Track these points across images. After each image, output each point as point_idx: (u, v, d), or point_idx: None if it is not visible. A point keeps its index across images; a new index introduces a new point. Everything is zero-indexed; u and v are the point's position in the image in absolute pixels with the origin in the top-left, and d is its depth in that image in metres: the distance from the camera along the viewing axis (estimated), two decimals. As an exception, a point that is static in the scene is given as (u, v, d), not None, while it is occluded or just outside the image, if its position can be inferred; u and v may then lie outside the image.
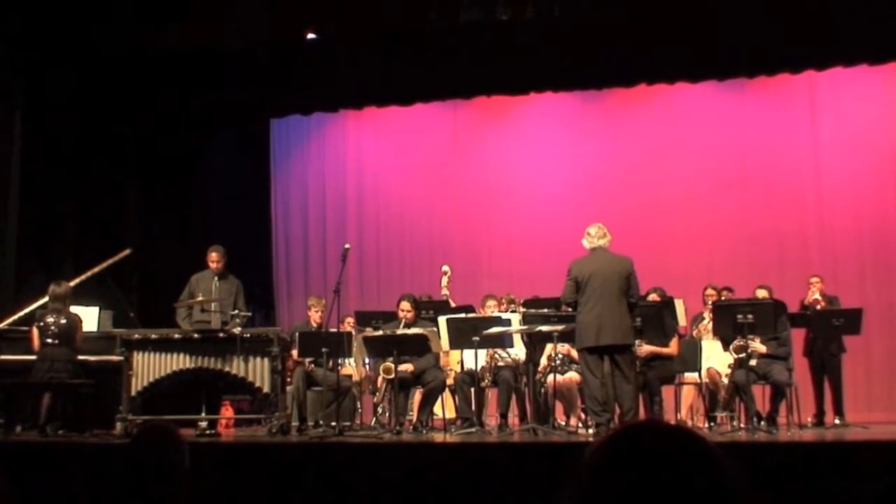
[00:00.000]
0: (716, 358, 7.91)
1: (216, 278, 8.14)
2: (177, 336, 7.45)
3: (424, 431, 7.54)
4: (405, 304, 7.82)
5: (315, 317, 8.24)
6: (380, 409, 8.55)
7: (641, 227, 10.34)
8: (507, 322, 7.46)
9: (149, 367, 7.32)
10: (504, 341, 7.48)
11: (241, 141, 12.16)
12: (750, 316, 7.04)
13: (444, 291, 8.96)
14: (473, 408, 7.54)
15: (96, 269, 8.90)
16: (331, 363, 7.38)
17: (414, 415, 7.88)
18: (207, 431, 7.63)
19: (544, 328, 7.11)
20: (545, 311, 7.69)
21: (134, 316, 8.93)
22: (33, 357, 7.55)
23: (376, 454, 5.89)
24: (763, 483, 4.64)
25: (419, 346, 7.42)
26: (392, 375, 7.49)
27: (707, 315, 8.09)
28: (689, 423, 7.92)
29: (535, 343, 7.49)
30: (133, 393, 7.30)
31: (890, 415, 9.09)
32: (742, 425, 7.41)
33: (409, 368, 7.66)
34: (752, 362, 7.45)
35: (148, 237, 10.67)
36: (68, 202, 10.41)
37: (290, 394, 7.74)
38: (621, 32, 9.58)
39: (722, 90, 10.74)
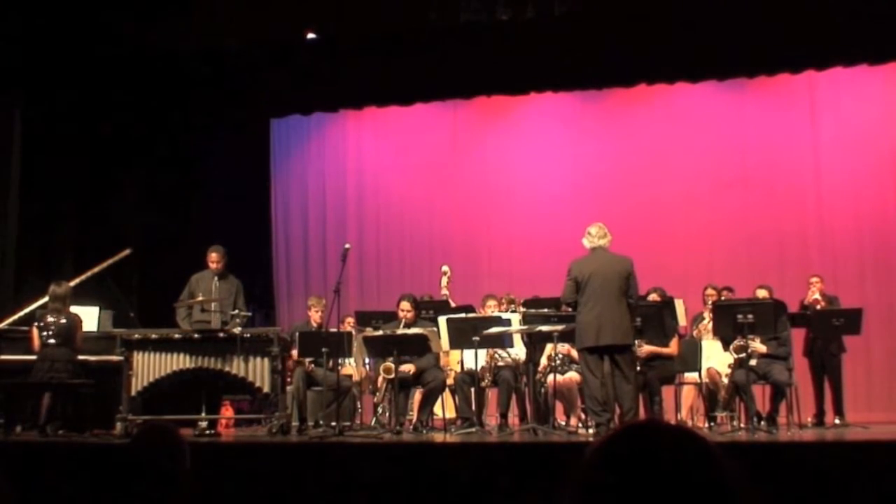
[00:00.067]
0: (716, 358, 7.91)
1: (216, 278, 8.14)
2: (177, 336, 7.46)
3: (424, 431, 7.54)
4: (405, 304, 7.83)
5: (315, 317, 8.25)
6: (380, 409, 8.55)
7: (641, 227, 10.34)
8: (507, 322, 7.46)
9: (149, 367, 7.32)
10: (504, 341, 7.47)
11: (241, 141, 12.15)
12: (750, 316, 7.04)
13: (444, 291, 8.96)
14: (473, 408, 7.54)
15: (96, 269, 8.90)
16: (331, 363, 7.38)
17: (414, 415, 7.89)
18: (207, 431, 7.63)
19: (544, 328, 7.11)
20: (545, 311, 7.69)
21: (134, 316, 8.93)
22: (33, 357, 7.55)
23: (376, 454, 5.89)
24: (763, 483, 4.64)
25: (419, 346, 7.42)
26: (392, 375, 7.49)
27: (707, 315, 8.09)
28: (690, 423, 7.92)
29: (535, 343, 7.49)
30: (133, 393, 7.30)
31: (890, 415, 9.09)
32: (742, 425, 7.42)
33: (411, 370, 7.66)
34: (752, 362, 7.45)
35: (148, 237, 10.67)
36: (68, 202, 10.41)
37: (290, 394, 7.74)
38: (621, 32, 9.58)
39: (722, 90, 10.74)
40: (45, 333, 7.50)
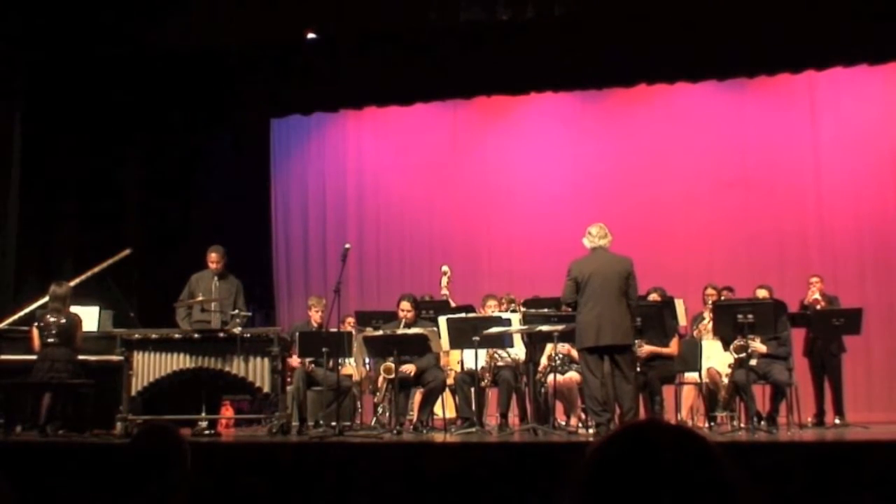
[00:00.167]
0: (716, 358, 7.91)
1: (216, 278, 8.15)
2: (177, 336, 7.46)
3: (425, 431, 7.54)
4: (405, 304, 7.83)
5: (315, 317, 8.25)
6: (380, 409, 8.55)
7: (641, 227, 10.34)
8: (508, 322, 7.46)
9: (149, 367, 7.32)
10: (504, 341, 7.47)
11: (241, 141, 12.16)
12: (750, 316, 7.04)
13: (444, 291, 8.96)
14: (473, 408, 7.54)
15: (96, 269, 8.89)
16: (331, 363, 7.38)
17: (414, 415, 7.89)
18: (207, 431, 7.63)
19: (544, 328, 7.11)
20: (545, 310, 7.69)
21: (134, 316, 8.92)
22: (33, 357, 7.55)
23: (376, 454, 5.89)
24: (763, 483, 4.64)
25: (419, 346, 7.42)
26: (392, 375, 7.49)
27: (707, 315, 8.09)
28: (690, 422, 7.92)
29: (535, 343, 7.49)
30: (133, 393, 7.30)
31: (890, 415, 9.09)
32: (742, 425, 7.42)
33: (411, 370, 7.65)
34: (753, 362, 7.45)
35: (148, 237, 10.67)
36: (68, 202, 10.41)
37: (290, 394, 7.74)
38: (621, 32, 9.58)
39: (722, 90, 10.74)
40: (45, 333, 7.50)
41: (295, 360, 8.01)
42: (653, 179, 10.89)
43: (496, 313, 7.85)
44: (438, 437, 7.20)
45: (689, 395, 8.23)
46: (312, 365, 8.02)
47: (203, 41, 9.84)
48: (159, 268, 10.35)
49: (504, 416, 7.67)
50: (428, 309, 8.28)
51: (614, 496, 1.14)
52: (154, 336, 7.42)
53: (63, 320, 7.55)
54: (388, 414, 8.19)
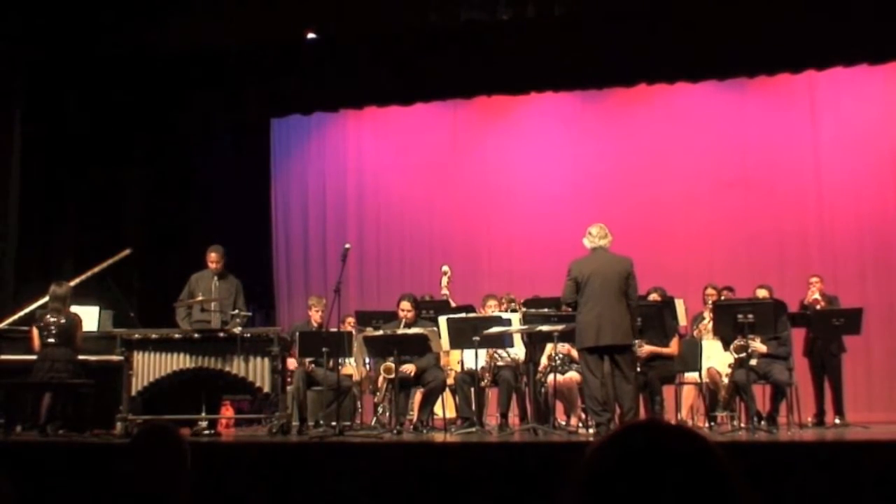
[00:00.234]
0: (716, 358, 7.91)
1: (215, 278, 8.15)
2: (177, 336, 7.45)
3: (425, 431, 7.55)
4: (405, 304, 7.83)
5: (315, 316, 8.24)
6: (380, 409, 8.55)
7: (641, 227, 10.34)
8: (508, 322, 7.46)
9: (149, 367, 7.31)
10: (504, 341, 7.48)
11: (241, 141, 12.16)
12: (750, 316, 7.04)
13: (444, 291, 8.96)
14: (474, 407, 7.54)
15: (96, 269, 8.89)
16: (331, 363, 7.38)
17: (414, 414, 7.89)
18: (207, 431, 7.63)
19: (544, 328, 7.11)
20: (545, 310, 7.69)
21: (134, 316, 8.92)
22: (33, 357, 7.55)
23: (376, 454, 5.89)
24: (763, 483, 4.64)
25: (419, 346, 7.42)
26: (392, 375, 7.49)
27: (707, 315, 8.09)
28: (690, 422, 7.92)
29: (535, 343, 7.49)
30: (133, 393, 7.30)
31: (890, 415, 9.09)
32: (742, 425, 7.42)
33: (411, 370, 7.65)
34: (753, 362, 7.45)
35: (148, 237, 10.67)
36: (68, 202, 10.41)
37: (291, 394, 7.74)
38: (621, 32, 9.57)
39: (722, 90, 10.74)
40: (45, 333, 7.50)
41: (293, 363, 8.01)
42: (653, 179, 10.89)
43: (496, 313, 7.85)
44: (438, 437, 7.21)
45: (689, 395, 8.23)
46: (312, 365, 8.02)
47: (203, 41, 9.83)
48: (159, 268, 10.35)
49: (504, 416, 7.67)
50: (428, 309, 8.28)
51: (614, 496, 1.13)
52: (154, 336, 7.42)
53: (63, 320, 7.55)
54: (388, 414, 8.19)
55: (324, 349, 7.30)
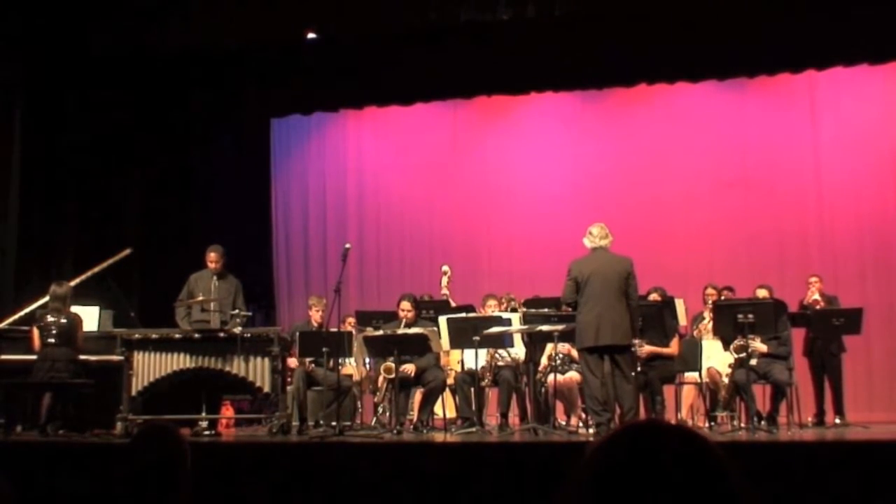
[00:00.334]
0: (716, 357, 7.91)
1: (215, 278, 8.14)
2: (177, 336, 7.45)
3: (425, 431, 7.55)
4: (405, 304, 7.83)
5: (316, 316, 8.24)
6: (380, 409, 8.55)
7: (641, 227, 10.34)
8: (508, 322, 7.46)
9: (149, 367, 7.32)
10: (504, 341, 7.47)
11: (241, 140, 12.16)
12: (750, 315, 7.04)
13: (444, 291, 8.96)
14: (474, 407, 7.54)
15: (96, 269, 8.89)
16: (331, 363, 7.38)
17: (414, 414, 7.89)
18: (207, 431, 7.63)
19: (544, 328, 7.11)
20: (545, 310, 7.69)
21: (134, 316, 8.92)
22: (34, 357, 7.55)
23: (376, 454, 5.89)
24: (763, 483, 4.64)
25: (419, 346, 7.42)
26: (392, 375, 7.49)
27: (707, 315, 8.09)
28: (690, 422, 7.92)
29: (535, 343, 7.49)
30: (133, 393, 7.30)
31: (890, 414, 9.09)
32: (742, 425, 7.42)
33: (411, 370, 7.65)
34: (753, 362, 7.45)
35: (148, 237, 10.67)
36: (68, 202, 10.41)
37: (291, 394, 7.74)
38: (621, 32, 9.58)
39: (722, 90, 10.74)
40: (45, 333, 7.50)
41: (293, 361, 8.01)
42: (653, 179, 10.89)
43: (496, 313, 7.85)
44: (438, 437, 7.21)
45: (689, 394, 8.23)
46: (313, 365, 8.02)
47: (203, 41, 9.83)
48: (159, 268, 10.35)
49: (504, 415, 7.67)
50: (428, 309, 8.29)
51: (614, 496, 1.13)
52: (154, 336, 7.42)
53: (63, 320, 7.55)
54: (388, 414, 8.19)
55: (324, 349, 7.30)
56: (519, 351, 7.65)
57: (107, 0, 9.64)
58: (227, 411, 9.08)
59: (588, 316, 6.77)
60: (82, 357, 7.72)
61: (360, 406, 8.77)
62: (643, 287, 7.47)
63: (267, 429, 7.49)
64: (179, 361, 7.30)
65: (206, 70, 10.55)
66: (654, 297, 8.06)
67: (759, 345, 7.58)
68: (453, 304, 8.63)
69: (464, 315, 7.77)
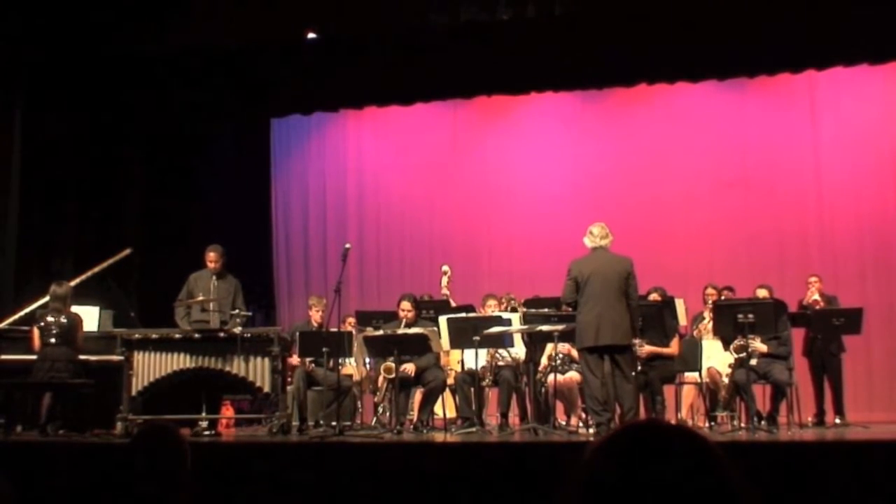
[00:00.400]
0: (716, 357, 7.91)
1: (214, 278, 8.14)
2: (177, 336, 7.45)
3: (425, 431, 7.55)
4: (405, 304, 7.83)
5: (316, 316, 8.25)
6: (380, 409, 8.55)
7: (641, 227, 10.34)
8: (508, 322, 7.46)
9: (149, 367, 7.32)
10: (504, 341, 7.47)
11: (241, 141, 12.15)
12: (750, 315, 7.04)
13: (445, 291, 8.96)
14: (474, 407, 7.54)
15: (96, 269, 8.89)
16: (331, 363, 7.38)
17: (414, 414, 7.89)
18: (207, 431, 7.63)
19: (545, 328, 7.11)
20: (545, 310, 7.69)
21: (134, 316, 8.92)
22: (34, 357, 7.54)
23: (376, 454, 5.89)
24: (763, 483, 4.64)
25: (420, 346, 7.42)
26: (393, 375, 7.49)
27: (707, 315, 8.09)
28: (690, 422, 7.92)
29: (535, 343, 7.49)
30: (133, 393, 7.30)
31: (890, 414, 9.09)
32: (742, 425, 7.42)
33: (411, 370, 7.65)
34: (753, 362, 7.45)
35: (148, 237, 10.67)
36: (68, 202, 10.41)
37: (291, 394, 7.74)
38: (621, 32, 9.57)
39: (722, 90, 10.74)
40: (45, 333, 7.50)
41: (295, 360, 8.01)
42: (653, 179, 10.89)
43: (496, 313, 7.85)
44: (438, 437, 7.21)
45: (689, 394, 8.23)
46: (313, 365, 8.02)
47: (203, 41, 9.83)
48: (159, 268, 10.34)
49: (504, 415, 7.67)
50: (428, 309, 8.29)
51: (614, 496, 1.13)
52: (154, 336, 7.42)
53: (63, 320, 7.54)
54: (388, 414, 8.19)
55: (324, 349, 7.30)
56: (519, 351, 7.65)
57: (107, 0, 9.63)
58: (227, 411, 9.08)
59: (588, 316, 6.77)
60: (82, 357, 7.72)
61: (360, 406, 8.77)
62: (643, 287, 7.47)
63: (267, 429, 7.49)
64: (179, 361, 7.30)
65: (206, 70, 10.55)
66: (654, 297, 8.06)
67: (759, 345, 7.58)
68: (453, 304, 8.64)
69: (464, 315, 7.77)
